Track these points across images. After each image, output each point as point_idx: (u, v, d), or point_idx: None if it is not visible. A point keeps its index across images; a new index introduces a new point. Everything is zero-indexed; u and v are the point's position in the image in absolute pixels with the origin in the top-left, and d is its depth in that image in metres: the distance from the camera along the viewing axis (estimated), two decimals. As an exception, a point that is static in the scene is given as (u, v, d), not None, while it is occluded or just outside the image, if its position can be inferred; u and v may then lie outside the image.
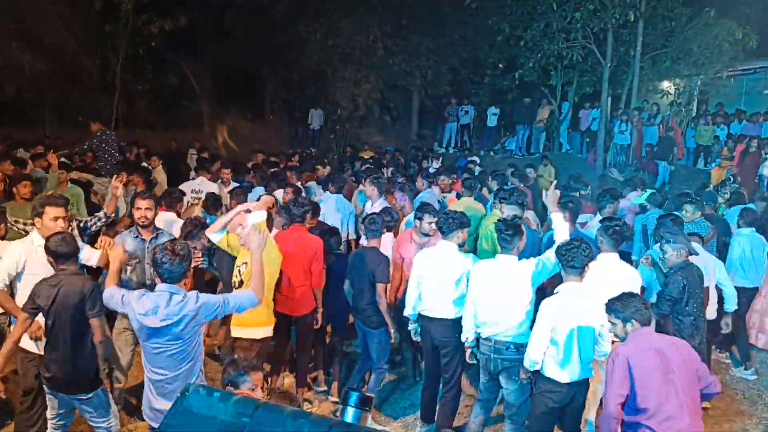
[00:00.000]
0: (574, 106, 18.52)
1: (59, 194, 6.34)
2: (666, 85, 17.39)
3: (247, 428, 1.72)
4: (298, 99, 22.67)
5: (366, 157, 15.20)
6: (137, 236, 5.56)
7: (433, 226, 6.09)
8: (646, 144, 15.94)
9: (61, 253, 4.42)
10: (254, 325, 5.25)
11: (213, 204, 7.83)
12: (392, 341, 6.02)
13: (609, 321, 4.09)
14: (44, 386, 4.57)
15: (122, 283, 5.47)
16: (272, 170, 10.70)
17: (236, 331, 5.32)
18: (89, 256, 5.19)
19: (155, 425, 4.08)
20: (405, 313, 5.62)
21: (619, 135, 16.08)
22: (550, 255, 4.85)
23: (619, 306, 4.01)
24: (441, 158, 15.29)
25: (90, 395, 4.50)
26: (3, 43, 14.39)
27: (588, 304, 4.45)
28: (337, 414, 1.90)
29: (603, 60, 16.06)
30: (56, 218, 5.02)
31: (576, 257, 4.48)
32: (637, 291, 5.13)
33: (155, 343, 3.91)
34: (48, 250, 4.47)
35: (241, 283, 5.19)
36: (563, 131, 18.66)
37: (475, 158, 16.02)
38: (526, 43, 16.75)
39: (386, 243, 6.45)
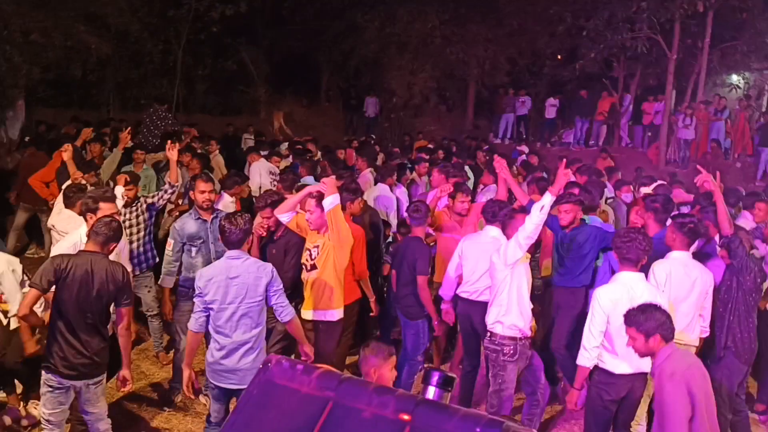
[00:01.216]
0: (637, 98, 18.05)
1: (131, 172, 6.53)
2: (735, 78, 16.79)
3: (331, 401, 1.70)
4: (353, 87, 22.68)
5: (420, 146, 15.10)
6: (198, 218, 5.64)
7: (466, 205, 6.16)
8: (711, 139, 15.44)
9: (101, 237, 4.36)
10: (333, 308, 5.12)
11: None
12: (435, 333, 5.97)
13: (628, 334, 3.77)
14: (50, 374, 4.35)
15: (189, 265, 5.61)
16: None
17: (311, 315, 5.15)
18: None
19: (227, 385, 4.34)
20: (441, 292, 5.56)
21: (683, 129, 15.62)
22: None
23: (641, 318, 3.67)
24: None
25: (99, 380, 4.43)
26: (71, 26, 14.73)
27: (644, 293, 4.30)
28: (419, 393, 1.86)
29: (669, 51, 15.56)
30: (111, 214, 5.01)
31: (631, 249, 4.39)
32: (710, 292, 5.00)
33: (231, 305, 4.23)
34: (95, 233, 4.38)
35: (313, 266, 5.05)
36: (624, 124, 18.21)
37: (524, 147, 15.76)
38: (588, 33, 16.38)
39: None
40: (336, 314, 5.09)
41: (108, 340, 4.44)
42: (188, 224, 5.60)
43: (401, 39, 19.99)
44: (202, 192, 5.61)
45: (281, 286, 4.38)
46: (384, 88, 20.81)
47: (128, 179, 6.32)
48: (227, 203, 7.06)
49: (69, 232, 5.60)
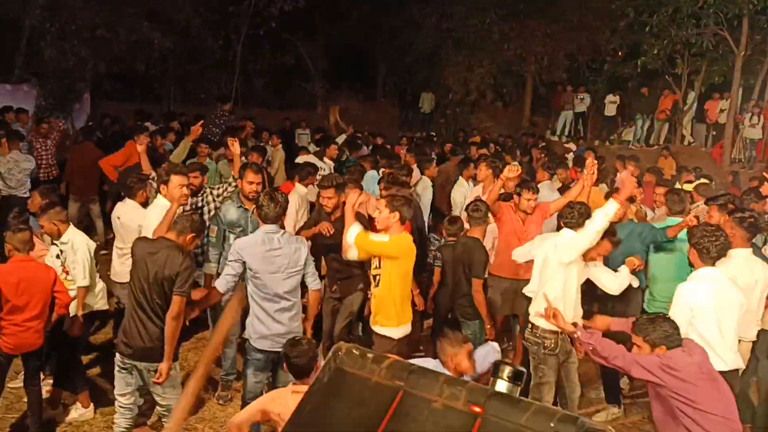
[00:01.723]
0: (701, 96, 17.51)
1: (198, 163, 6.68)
2: (807, 76, 16.13)
3: (401, 391, 1.69)
4: (409, 82, 22.64)
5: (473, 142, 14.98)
6: (240, 206, 5.73)
7: (532, 203, 6.05)
8: (780, 139, 14.90)
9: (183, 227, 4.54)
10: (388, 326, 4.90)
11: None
12: (487, 336, 5.89)
13: (635, 342, 3.74)
14: (116, 352, 4.54)
15: (226, 252, 5.68)
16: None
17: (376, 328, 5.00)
18: None
19: (277, 348, 4.51)
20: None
21: (750, 128, 15.09)
22: None
23: (649, 327, 3.66)
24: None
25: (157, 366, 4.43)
26: (136, 21, 15.10)
27: (726, 289, 4.23)
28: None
29: (736, 48, 15.05)
30: (181, 186, 5.32)
31: (711, 246, 4.29)
32: None
33: (276, 274, 4.59)
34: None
35: (378, 283, 4.82)
36: (687, 123, 17.69)
37: (572, 145, 15.46)
38: (652, 29, 15.97)
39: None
40: (391, 332, 4.83)
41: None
42: (230, 211, 5.71)
43: (458, 34, 19.86)
44: (251, 182, 5.71)
45: (311, 257, 4.83)
46: (440, 83, 20.71)
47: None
48: (302, 193, 7.18)
49: (134, 221, 5.80)
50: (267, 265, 4.57)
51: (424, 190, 8.35)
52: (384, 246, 4.72)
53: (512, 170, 6.08)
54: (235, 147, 6.48)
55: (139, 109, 15.33)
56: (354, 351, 1.79)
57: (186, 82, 20.37)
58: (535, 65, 20.50)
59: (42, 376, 5.27)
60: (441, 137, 18.91)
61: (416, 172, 9.22)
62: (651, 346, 3.64)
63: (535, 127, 20.71)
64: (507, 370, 1.85)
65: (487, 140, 14.09)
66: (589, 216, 5.02)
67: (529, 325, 5.03)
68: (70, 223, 5.42)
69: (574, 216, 5.02)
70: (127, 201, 6.04)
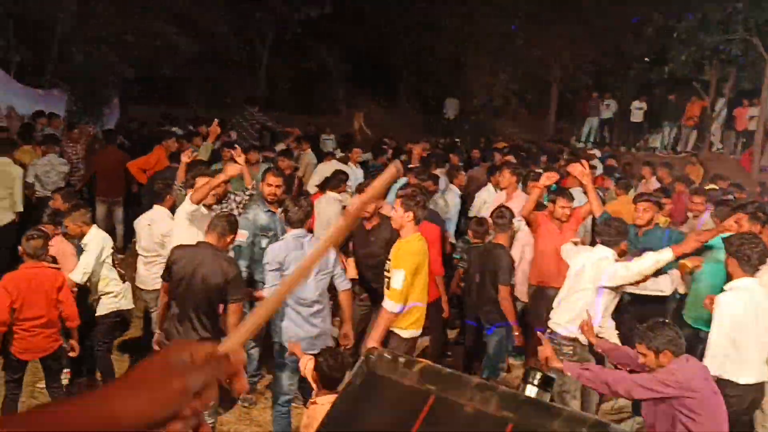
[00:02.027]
0: (730, 103, 17.29)
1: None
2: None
3: (433, 395, 1.70)
4: (432, 88, 22.65)
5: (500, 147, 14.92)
6: (267, 210, 5.77)
7: (567, 211, 5.98)
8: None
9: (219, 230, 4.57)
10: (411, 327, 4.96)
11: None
12: (517, 343, 5.86)
13: (638, 350, 3.70)
14: None
15: (257, 256, 5.74)
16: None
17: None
18: None
19: (308, 351, 4.49)
20: None
21: (780, 136, 14.89)
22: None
23: (650, 335, 3.62)
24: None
25: None
26: (163, 27, 15.31)
27: (764, 300, 4.18)
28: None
29: (766, 54, 14.86)
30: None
31: (752, 253, 4.27)
32: None
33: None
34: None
35: (388, 284, 4.87)
36: (716, 130, 17.47)
37: (596, 152, 15.32)
38: (679, 35, 15.82)
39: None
40: (405, 333, 4.87)
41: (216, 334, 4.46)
42: (260, 216, 5.75)
43: (481, 39, 19.83)
44: (269, 185, 5.79)
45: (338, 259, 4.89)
46: (464, 89, 20.68)
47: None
48: (330, 200, 7.16)
49: (163, 229, 5.88)
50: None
51: (452, 199, 8.31)
52: (414, 256, 4.74)
53: (550, 177, 6.07)
54: (240, 159, 6.46)
55: (165, 112, 15.52)
56: (386, 355, 1.81)
57: (211, 86, 20.58)
58: (560, 71, 20.40)
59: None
60: (465, 143, 18.89)
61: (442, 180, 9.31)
62: (655, 353, 3.60)
63: (560, 134, 20.60)
64: (537, 376, 1.85)
65: (515, 147, 14.05)
66: (626, 234, 5.01)
67: (548, 331, 5.00)
68: (94, 225, 5.52)
69: (611, 234, 4.95)
70: (157, 208, 6.11)
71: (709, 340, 4.34)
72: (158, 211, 6.07)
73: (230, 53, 19.60)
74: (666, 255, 4.66)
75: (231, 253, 5.10)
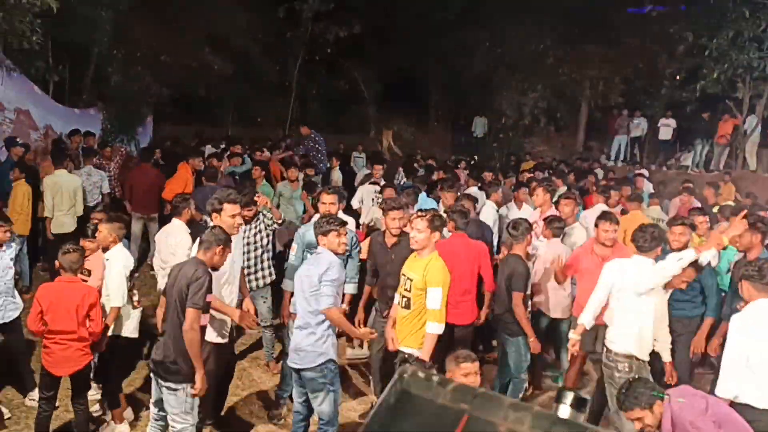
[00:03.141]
0: (764, 120, 17.03)
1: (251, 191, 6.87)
2: None
3: (466, 414, 1.71)
4: (462, 106, 22.71)
5: (527, 168, 14.89)
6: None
7: (611, 234, 5.91)
8: None
9: (203, 240, 4.52)
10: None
11: None
12: (531, 351, 5.81)
13: (632, 419, 3.78)
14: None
15: None
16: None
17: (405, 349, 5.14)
18: None
19: (292, 364, 4.82)
20: (582, 321, 5.39)
21: (816, 154, 14.61)
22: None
23: (632, 399, 3.74)
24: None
25: (176, 387, 4.38)
26: (197, 47, 15.62)
27: None
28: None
29: (800, 72, 14.66)
30: (233, 215, 5.08)
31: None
32: None
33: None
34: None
35: (407, 305, 5.03)
36: (752, 148, 17.20)
37: (644, 171, 15.19)
38: (711, 53, 15.65)
39: (557, 249, 6.36)
40: (417, 352, 4.98)
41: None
42: (309, 232, 5.79)
43: (512, 59, 19.84)
44: (324, 203, 5.89)
45: (333, 276, 4.66)
46: (493, 108, 20.69)
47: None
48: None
49: (177, 238, 5.99)
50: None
51: (489, 215, 8.32)
52: (446, 273, 4.92)
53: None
54: (262, 200, 6.65)
55: (199, 131, 15.78)
56: (420, 373, 1.83)
57: (243, 105, 20.89)
58: (590, 89, 20.30)
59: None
60: (494, 161, 18.88)
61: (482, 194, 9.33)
62: (650, 409, 3.70)
63: (590, 152, 20.48)
64: (570, 396, 1.85)
65: (542, 165, 14.02)
66: (662, 240, 5.00)
67: (604, 350, 4.96)
68: (121, 243, 5.54)
69: (647, 239, 4.93)
70: (174, 220, 6.24)
71: (722, 363, 4.28)
72: (175, 224, 6.19)
73: (262, 73, 19.91)
74: (689, 254, 4.65)
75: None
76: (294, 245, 5.96)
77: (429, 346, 4.84)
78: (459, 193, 8.22)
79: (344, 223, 4.96)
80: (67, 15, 10.47)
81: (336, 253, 4.81)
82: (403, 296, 5.05)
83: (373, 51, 22.22)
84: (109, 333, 5.31)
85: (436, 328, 4.84)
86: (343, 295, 5.85)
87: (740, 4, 14.61)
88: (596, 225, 6.05)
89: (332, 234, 4.77)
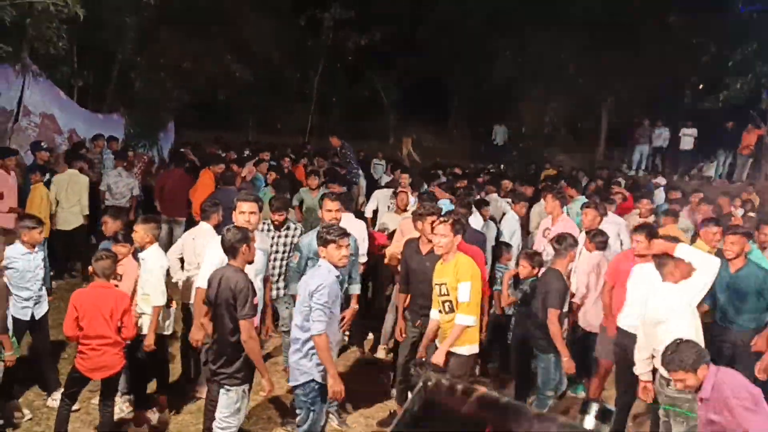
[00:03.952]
0: (787, 132, 16.83)
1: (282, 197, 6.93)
2: None
3: (490, 424, 1.71)
4: (482, 114, 22.67)
5: (549, 175, 14.81)
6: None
7: (645, 244, 5.69)
8: None
9: (226, 248, 4.54)
10: (468, 343, 5.12)
11: None
12: (566, 371, 5.71)
13: (676, 378, 3.80)
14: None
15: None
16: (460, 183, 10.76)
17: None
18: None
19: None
20: (622, 324, 5.32)
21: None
22: None
23: (678, 358, 3.77)
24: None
25: (230, 389, 4.52)
26: (220, 54, 15.73)
27: None
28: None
29: (824, 83, 14.49)
30: (243, 212, 5.31)
31: None
32: None
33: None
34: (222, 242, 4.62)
35: (451, 309, 5.04)
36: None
37: (661, 180, 15.03)
38: (735, 64, 15.53)
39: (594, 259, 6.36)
40: (464, 349, 5.08)
41: (235, 348, 4.48)
42: (315, 241, 5.80)
43: (534, 67, 19.79)
44: (329, 210, 5.85)
45: (323, 300, 4.45)
46: (514, 116, 20.64)
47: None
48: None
49: (205, 241, 5.98)
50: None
51: (511, 227, 8.30)
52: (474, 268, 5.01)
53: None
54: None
55: (219, 136, 15.88)
56: (443, 382, 1.82)
57: (264, 112, 21.00)
58: (611, 99, 20.19)
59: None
60: (513, 170, 18.80)
61: (503, 202, 9.42)
62: (693, 372, 3.73)
63: (610, 161, 20.33)
64: (595, 408, 1.84)
65: (561, 175, 13.93)
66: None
67: (659, 377, 4.72)
68: (156, 243, 5.66)
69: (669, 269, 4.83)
70: (202, 224, 6.28)
71: None
72: (203, 227, 6.24)
73: (283, 80, 20.01)
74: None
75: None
76: (296, 253, 5.98)
77: (454, 336, 4.93)
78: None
79: (346, 235, 4.80)
80: (93, 21, 10.59)
81: (336, 266, 4.70)
82: (443, 302, 5.07)
83: (394, 58, 22.27)
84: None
85: (466, 320, 4.92)
86: (349, 296, 5.99)
87: (764, 15, 14.48)
88: (631, 237, 6.05)
89: (332, 246, 4.65)
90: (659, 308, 4.71)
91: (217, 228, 6.24)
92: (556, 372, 5.71)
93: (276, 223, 6.48)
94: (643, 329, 4.86)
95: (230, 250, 4.51)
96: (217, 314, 4.52)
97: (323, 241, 4.72)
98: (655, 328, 4.69)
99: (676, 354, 3.77)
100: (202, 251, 5.80)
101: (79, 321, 4.82)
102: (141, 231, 5.50)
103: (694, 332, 4.55)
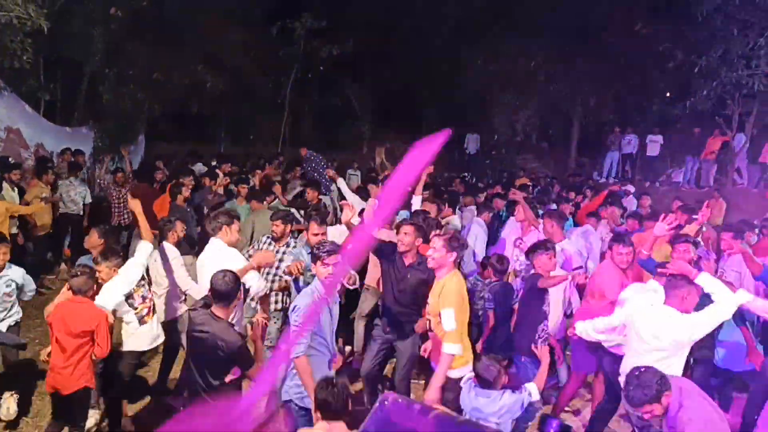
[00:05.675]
0: (753, 137, 17.14)
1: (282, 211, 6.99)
2: None
3: (447, 443, 1.71)
4: (455, 123, 22.73)
5: (520, 184, 14.90)
6: (310, 252, 5.76)
7: (625, 257, 5.67)
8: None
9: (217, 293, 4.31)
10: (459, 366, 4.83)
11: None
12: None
13: (643, 412, 3.68)
14: None
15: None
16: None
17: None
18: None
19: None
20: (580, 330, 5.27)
21: (806, 170, 14.70)
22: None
23: (641, 392, 3.65)
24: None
25: None
26: (190, 64, 15.61)
27: None
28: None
29: (790, 88, 14.76)
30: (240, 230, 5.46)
31: None
32: None
33: None
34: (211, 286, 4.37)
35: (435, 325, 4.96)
36: (740, 164, 17.30)
37: (630, 187, 15.20)
38: (701, 70, 15.76)
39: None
40: (455, 373, 4.72)
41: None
42: (302, 255, 5.80)
43: (505, 76, 19.94)
44: (315, 234, 5.82)
45: (298, 321, 4.34)
46: (486, 124, 20.77)
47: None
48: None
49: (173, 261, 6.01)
50: None
51: (479, 233, 8.33)
52: (458, 294, 4.79)
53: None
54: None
55: (192, 149, 15.75)
56: (401, 401, 1.82)
57: (236, 123, 20.90)
58: (581, 106, 20.42)
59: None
60: (486, 178, 18.93)
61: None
62: (658, 401, 3.65)
63: (582, 168, 20.55)
64: (554, 425, 1.85)
65: (534, 183, 14.03)
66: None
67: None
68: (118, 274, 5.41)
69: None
70: (214, 240, 5.76)
71: None
72: (164, 246, 6.08)
73: (255, 90, 19.93)
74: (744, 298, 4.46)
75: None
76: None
77: (444, 368, 4.62)
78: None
79: (331, 252, 4.65)
80: (60, 33, 10.47)
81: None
82: (428, 319, 5.05)
83: (366, 68, 22.30)
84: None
85: (452, 348, 4.61)
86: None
87: (729, 22, 14.75)
88: (610, 247, 5.82)
89: (318, 263, 4.62)
90: (662, 338, 4.45)
91: (178, 245, 6.17)
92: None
93: (274, 234, 6.50)
94: (633, 345, 4.65)
95: (224, 296, 4.28)
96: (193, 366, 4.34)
97: (313, 258, 4.72)
98: (650, 354, 4.42)
99: (639, 389, 3.64)
100: (174, 268, 5.81)
101: (54, 335, 4.73)
102: (105, 269, 5.19)
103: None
